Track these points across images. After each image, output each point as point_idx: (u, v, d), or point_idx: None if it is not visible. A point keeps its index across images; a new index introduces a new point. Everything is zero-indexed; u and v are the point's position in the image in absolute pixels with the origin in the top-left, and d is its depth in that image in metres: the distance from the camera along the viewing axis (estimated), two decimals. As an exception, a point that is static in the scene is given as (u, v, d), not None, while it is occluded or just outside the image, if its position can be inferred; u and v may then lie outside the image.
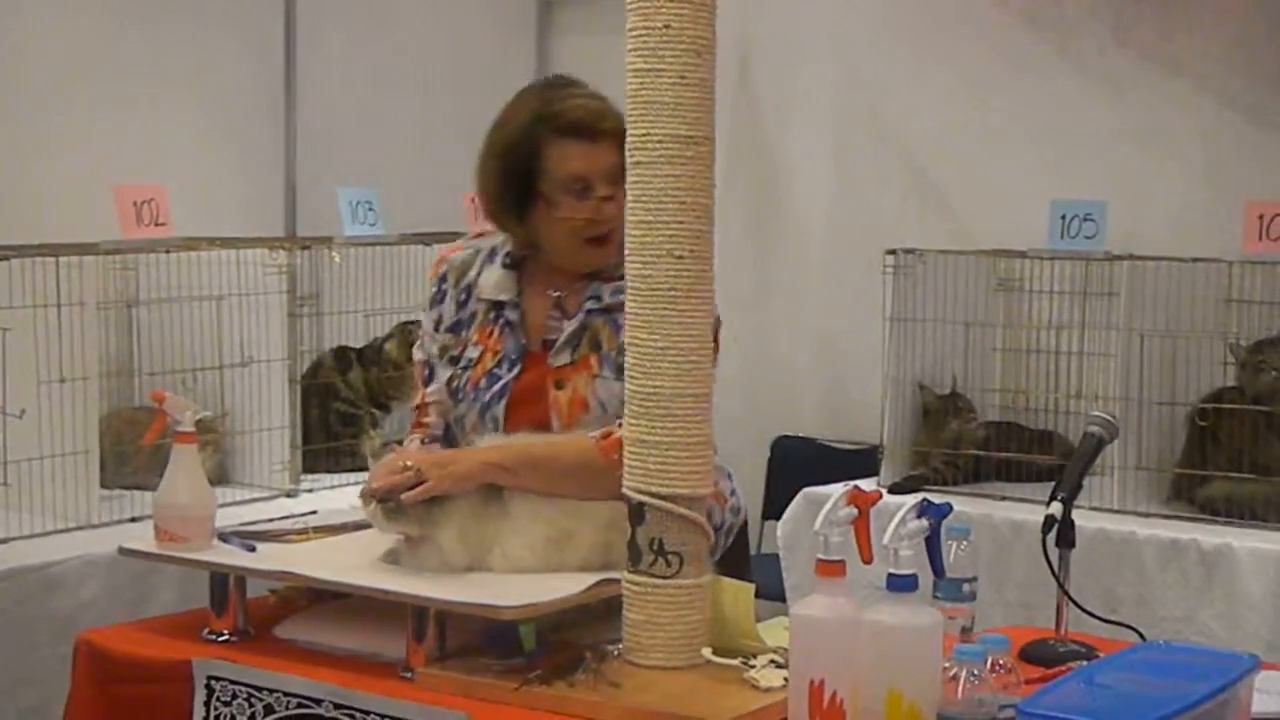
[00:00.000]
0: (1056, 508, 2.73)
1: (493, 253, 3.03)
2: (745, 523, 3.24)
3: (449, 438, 3.04)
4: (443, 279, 3.05)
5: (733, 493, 3.15)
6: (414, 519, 2.67)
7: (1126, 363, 4.22)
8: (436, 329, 3.05)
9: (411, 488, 2.67)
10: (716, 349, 2.81)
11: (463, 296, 3.03)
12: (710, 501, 2.96)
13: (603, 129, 2.88)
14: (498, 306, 2.98)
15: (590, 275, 2.95)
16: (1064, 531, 2.73)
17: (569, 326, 2.93)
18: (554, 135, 2.90)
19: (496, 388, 2.95)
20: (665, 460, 2.50)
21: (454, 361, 3.01)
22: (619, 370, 2.75)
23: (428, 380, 3.04)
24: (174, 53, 4.81)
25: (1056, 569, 2.75)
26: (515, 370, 2.94)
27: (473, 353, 2.99)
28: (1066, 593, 2.74)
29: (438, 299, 3.05)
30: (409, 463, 2.70)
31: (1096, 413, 2.92)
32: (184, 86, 4.85)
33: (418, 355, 3.10)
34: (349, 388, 4.69)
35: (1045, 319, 4.63)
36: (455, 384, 3.00)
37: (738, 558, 3.15)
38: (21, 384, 3.83)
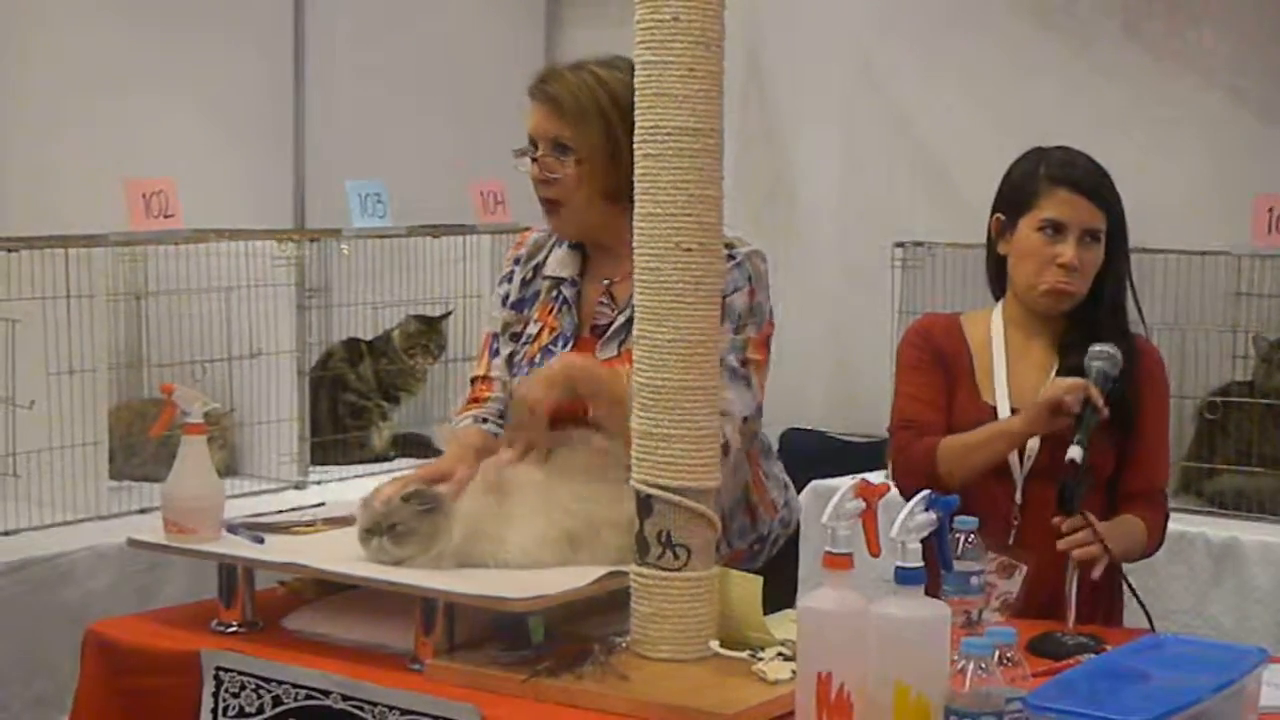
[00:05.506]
0: (1076, 451, 2.71)
1: None
2: (796, 534, 3.21)
3: (504, 415, 3.04)
4: (517, 259, 3.09)
5: (785, 504, 3.15)
6: (418, 540, 2.64)
7: (1135, 356, 4.21)
8: (504, 304, 3.07)
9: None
10: (766, 359, 2.86)
11: (529, 274, 3.05)
12: (764, 514, 3.04)
13: (542, 89, 2.91)
14: (559, 283, 3.00)
15: None
16: (1070, 498, 2.72)
17: (618, 319, 2.92)
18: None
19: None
20: (673, 453, 2.49)
21: (515, 338, 3.04)
22: None
23: (494, 353, 3.07)
24: (183, 46, 4.82)
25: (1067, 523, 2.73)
26: (568, 348, 2.95)
27: (533, 329, 3.01)
28: (1074, 586, 2.74)
29: (507, 276, 3.09)
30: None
31: (1098, 346, 2.85)
32: (193, 79, 4.85)
33: (487, 327, 3.13)
34: (359, 379, 4.70)
35: (1053, 312, 4.62)
36: (515, 358, 3.02)
37: (783, 568, 3.14)
38: (31, 375, 3.83)
